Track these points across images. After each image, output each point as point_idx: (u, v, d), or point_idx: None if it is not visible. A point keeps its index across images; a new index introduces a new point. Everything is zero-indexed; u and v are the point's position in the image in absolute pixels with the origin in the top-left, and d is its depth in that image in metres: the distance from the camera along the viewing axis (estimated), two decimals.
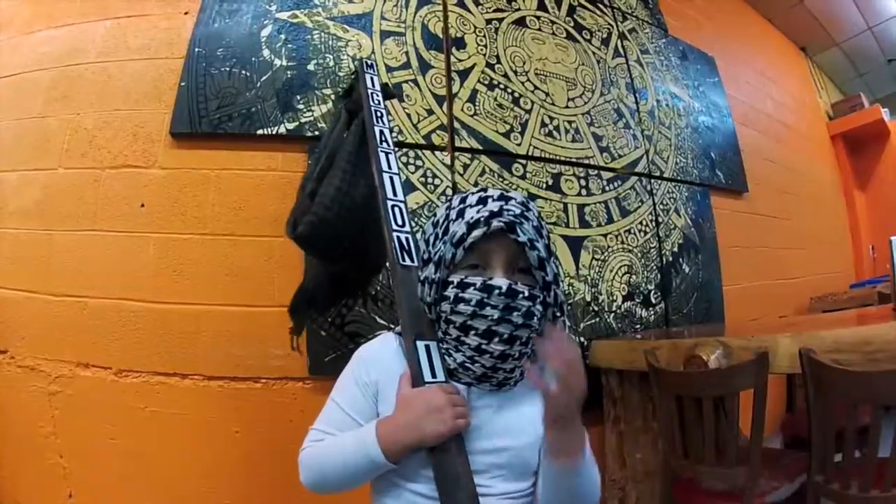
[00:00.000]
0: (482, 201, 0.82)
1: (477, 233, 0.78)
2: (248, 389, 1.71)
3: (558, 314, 0.84)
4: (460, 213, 0.82)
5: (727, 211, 2.99)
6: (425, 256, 0.86)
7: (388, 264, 0.96)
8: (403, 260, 0.94)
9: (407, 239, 0.97)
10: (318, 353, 1.72)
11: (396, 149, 1.86)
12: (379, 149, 1.12)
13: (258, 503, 1.68)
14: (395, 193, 1.04)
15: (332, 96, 1.91)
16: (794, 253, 3.63)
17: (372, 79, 1.32)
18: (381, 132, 1.16)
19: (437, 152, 2.01)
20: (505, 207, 0.80)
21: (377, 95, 1.28)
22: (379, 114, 1.21)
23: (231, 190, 1.82)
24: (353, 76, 1.50)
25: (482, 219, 0.78)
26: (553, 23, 2.52)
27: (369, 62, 1.38)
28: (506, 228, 0.77)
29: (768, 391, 1.36)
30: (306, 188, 1.31)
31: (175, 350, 1.71)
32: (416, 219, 1.89)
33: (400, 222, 0.99)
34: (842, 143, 4.91)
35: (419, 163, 1.96)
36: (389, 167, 1.09)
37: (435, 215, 0.89)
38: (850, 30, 4.69)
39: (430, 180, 1.96)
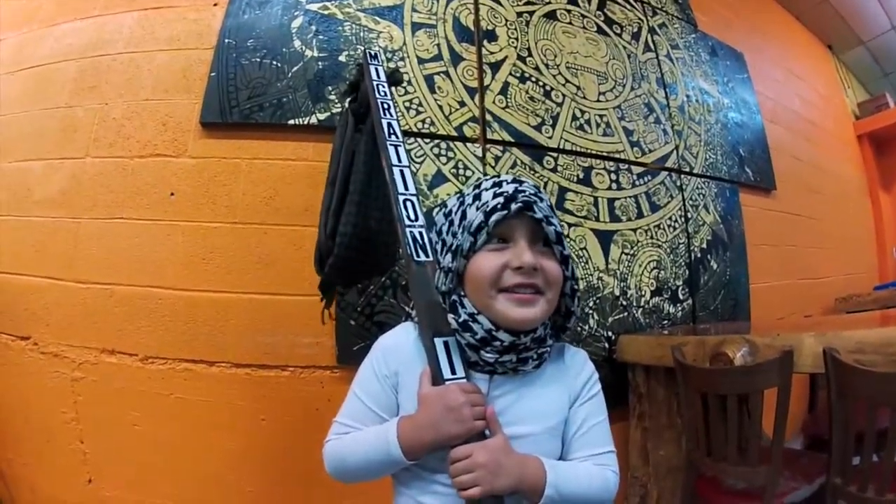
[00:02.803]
0: (497, 185, 0.83)
1: (496, 216, 0.79)
2: (275, 377, 1.71)
3: (576, 287, 0.85)
4: (476, 198, 0.83)
5: (755, 208, 2.94)
6: (438, 246, 0.88)
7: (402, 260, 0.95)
8: (418, 256, 0.92)
9: (420, 233, 0.95)
10: (346, 342, 1.71)
11: (409, 138, 1.86)
12: (388, 142, 1.10)
13: (283, 492, 1.68)
14: (406, 187, 1.01)
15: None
16: (821, 252, 3.57)
17: (377, 69, 1.28)
18: (390, 124, 1.14)
19: (468, 144, 1.99)
20: (519, 189, 0.82)
21: (383, 87, 1.25)
22: (386, 106, 1.20)
23: (261, 179, 1.81)
24: (357, 68, 1.43)
25: (499, 204, 0.79)
26: (584, 16, 2.49)
27: (372, 52, 1.33)
28: (524, 207, 0.79)
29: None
30: (327, 225, 1.33)
31: (202, 337, 1.71)
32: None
33: (413, 217, 0.97)
34: (867, 143, 4.81)
35: (451, 154, 1.95)
36: (399, 160, 1.06)
37: (445, 206, 0.90)
38: (875, 28, 4.61)
39: (461, 172, 1.94)
